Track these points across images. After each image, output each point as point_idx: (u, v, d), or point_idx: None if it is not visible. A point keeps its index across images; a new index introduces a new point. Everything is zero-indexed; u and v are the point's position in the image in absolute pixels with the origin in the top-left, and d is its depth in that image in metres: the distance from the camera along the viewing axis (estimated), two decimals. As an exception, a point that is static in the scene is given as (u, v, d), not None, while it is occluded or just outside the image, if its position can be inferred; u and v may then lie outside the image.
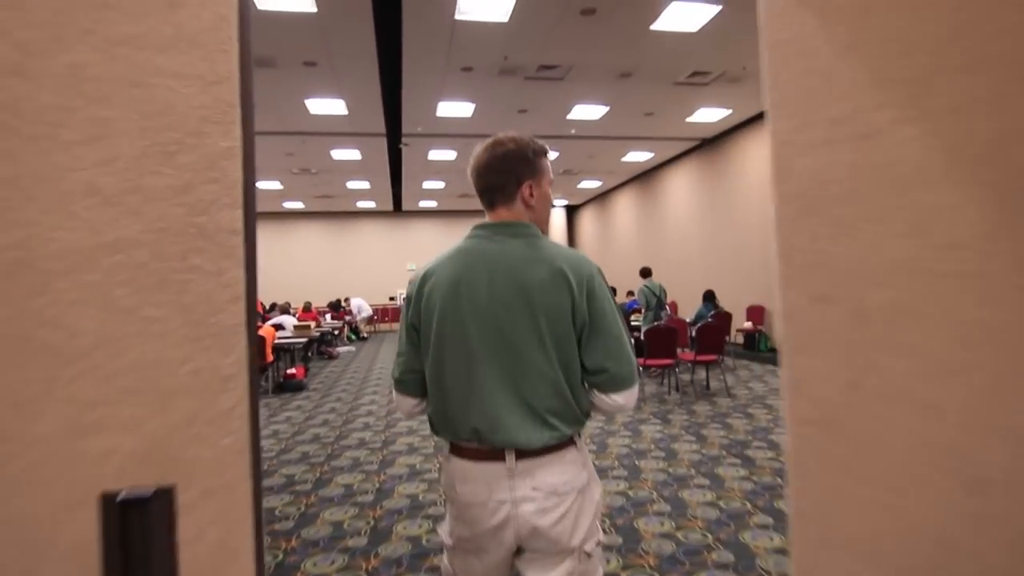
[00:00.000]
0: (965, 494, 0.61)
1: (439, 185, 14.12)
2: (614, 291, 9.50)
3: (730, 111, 8.96)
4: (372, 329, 16.31)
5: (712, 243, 10.84)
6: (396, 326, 13.77)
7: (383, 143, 10.09)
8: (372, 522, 3.08)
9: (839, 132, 0.71)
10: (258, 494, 0.67)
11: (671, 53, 6.57)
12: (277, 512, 3.25)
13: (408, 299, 1.28)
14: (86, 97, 0.65)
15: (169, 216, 0.66)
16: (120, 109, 0.66)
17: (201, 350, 0.65)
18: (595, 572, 1.24)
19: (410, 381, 1.29)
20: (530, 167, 1.26)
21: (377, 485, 3.67)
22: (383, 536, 2.90)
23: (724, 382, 6.63)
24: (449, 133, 9.64)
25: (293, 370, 7.90)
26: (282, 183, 13.27)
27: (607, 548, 2.63)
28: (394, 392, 1.34)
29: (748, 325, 9.27)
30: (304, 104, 7.91)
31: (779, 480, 3.51)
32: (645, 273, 7.86)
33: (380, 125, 9.04)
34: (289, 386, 7.43)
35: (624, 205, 15.18)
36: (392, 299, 17.92)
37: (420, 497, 3.43)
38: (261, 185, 13.35)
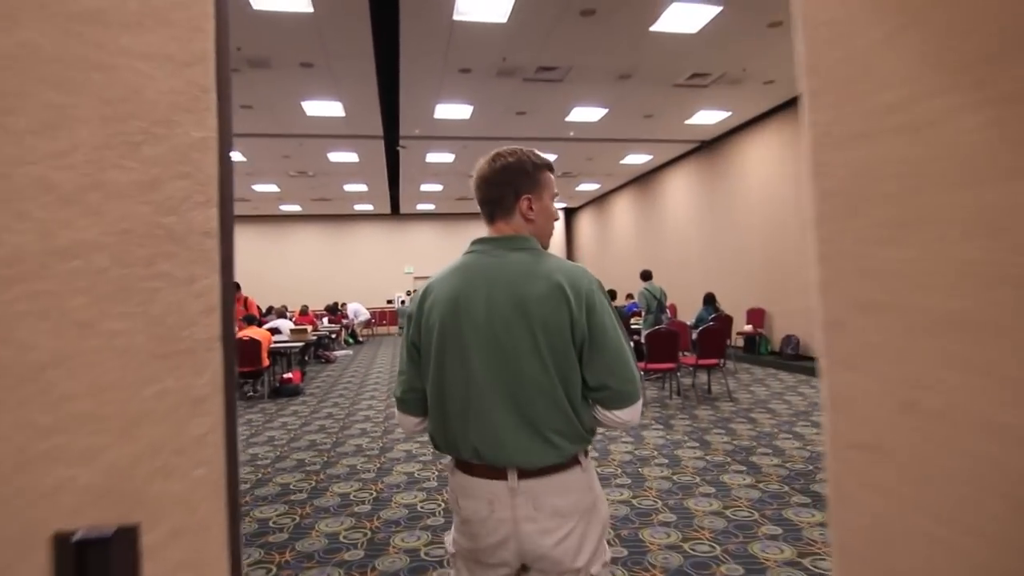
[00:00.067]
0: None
1: (437, 188, 14.05)
2: (613, 294, 9.43)
3: (730, 113, 8.91)
4: (370, 333, 16.21)
5: (711, 246, 10.79)
6: (393, 329, 13.68)
7: (380, 145, 10.02)
8: (369, 534, 2.99)
9: (889, 122, 0.63)
10: (235, 533, 0.59)
11: (671, 54, 6.52)
12: (271, 523, 3.16)
13: (409, 317, 1.27)
14: (39, 81, 0.57)
15: (134, 216, 0.58)
16: (78, 94, 0.58)
17: (169, 369, 0.57)
18: None
19: (412, 400, 1.27)
20: (529, 180, 1.24)
21: (374, 494, 3.58)
22: (380, 548, 2.81)
23: (726, 386, 6.56)
24: (447, 135, 9.58)
25: (289, 374, 7.80)
26: (279, 186, 13.18)
27: (612, 561, 2.54)
28: (396, 411, 1.33)
29: (748, 328, 9.21)
30: (301, 106, 7.84)
31: (786, 488, 3.43)
32: (645, 276, 7.79)
33: (377, 127, 8.97)
34: (285, 391, 7.33)
35: (622, 208, 15.13)
36: (390, 302, 17.83)
37: (418, 507, 3.34)
38: (258, 188, 13.27)
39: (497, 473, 1.15)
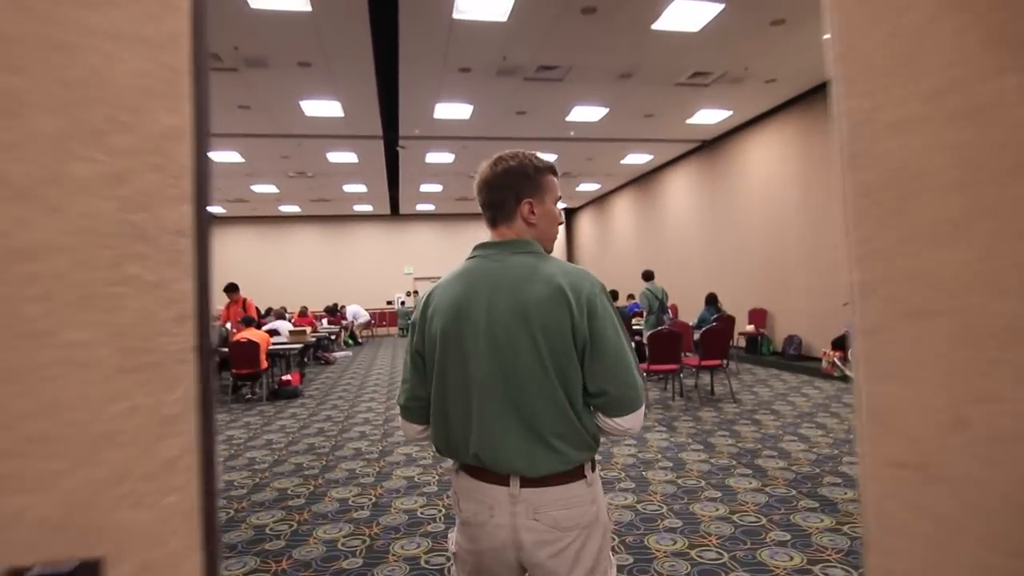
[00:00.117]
0: None
1: (437, 188, 13.98)
2: (615, 295, 9.37)
3: (731, 112, 8.85)
4: (370, 334, 16.15)
5: (712, 245, 10.73)
6: (393, 330, 13.61)
7: (380, 146, 9.96)
8: (368, 540, 2.92)
9: (939, 107, 0.57)
10: (212, 567, 0.53)
11: (672, 53, 6.46)
12: (268, 530, 3.10)
13: (413, 325, 1.27)
14: (-8, 62, 0.51)
15: (98, 213, 0.52)
16: (37, 78, 0.51)
17: (137, 384, 0.51)
18: None
19: (415, 409, 1.26)
20: (531, 184, 1.22)
21: (373, 499, 3.52)
22: (379, 556, 2.75)
23: (729, 387, 6.50)
24: (447, 135, 9.51)
25: (288, 376, 7.74)
26: (278, 186, 13.12)
27: (618, 570, 2.48)
28: (400, 418, 1.32)
29: (750, 328, 9.15)
30: (299, 106, 7.77)
31: (793, 492, 3.36)
32: (647, 276, 7.74)
33: (377, 127, 8.91)
34: (284, 393, 7.27)
35: (623, 208, 15.07)
36: (389, 303, 17.77)
37: (418, 512, 3.27)
38: (257, 189, 13.20)
39: (499, 479, 1.14)
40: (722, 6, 5.40)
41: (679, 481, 3.64)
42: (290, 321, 10.67)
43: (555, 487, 1.12)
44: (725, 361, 6.31)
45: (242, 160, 10.50)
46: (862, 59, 0.65)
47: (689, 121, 9.19)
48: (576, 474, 1.15)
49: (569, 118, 8.74)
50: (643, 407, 1.17)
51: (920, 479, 0.60)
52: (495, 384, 1.13)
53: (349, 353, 12.41)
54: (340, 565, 2.67)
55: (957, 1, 0.57)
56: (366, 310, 15.56)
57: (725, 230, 10.29)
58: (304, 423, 5.75)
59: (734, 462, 3.99)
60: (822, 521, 2.93)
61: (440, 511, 3.28)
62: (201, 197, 0.55)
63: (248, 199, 14.47)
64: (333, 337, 12.19)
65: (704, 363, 6.08)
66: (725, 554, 2.62)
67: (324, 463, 4.33)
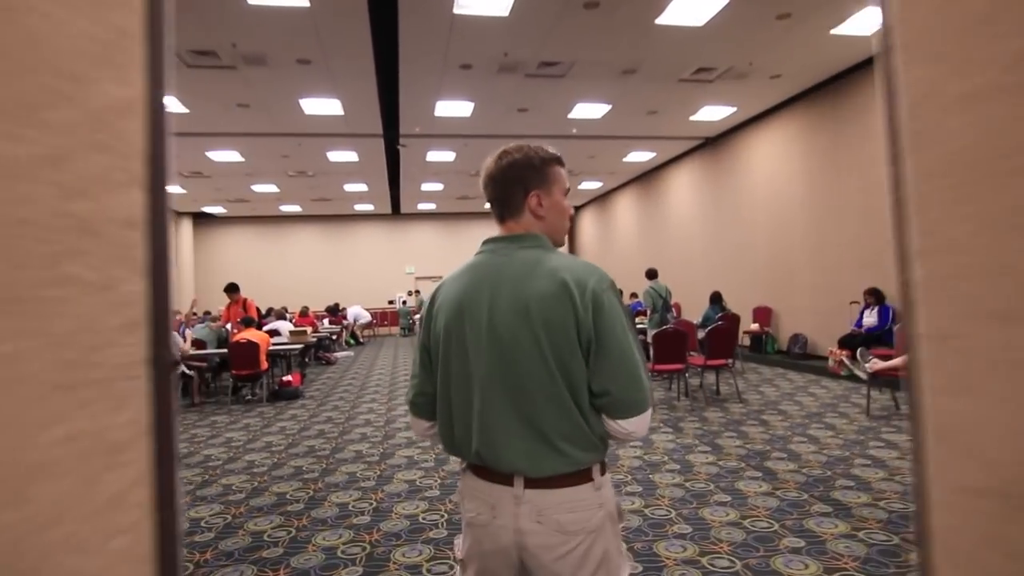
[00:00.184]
0: None
1: (438, 187, 13.90)
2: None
3: (735, 109, 8.76)
4: (371, 333, 16.09)
5: (715, 243, 10.64)
6: (395, 330, 13.59)
7: (380, 144, 9.88)
8: (368, 548, 2.85)
9: (1022, 76, 0.49)
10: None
11: (676, 48, 6.37)
12: (266, 536, 3.02)
13: (421, 320, 1.27)
14: (-97, 21, 0.43)
15: (31, 201, 0.43)
16: (-41, 41, 0.43)
17: (77, 405, 0.43)
18: None
19: (422, 404, 1.25)
20: (538, 175, 1.19)
21: (374, 504, 3.44)
22: (380, 565, 2.67)
23: (735, 387, 6.41)
24: (448, 133, 9.44)
25: (289, 377, 7.67)
26: (278, 186, 13.05)
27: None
28: (409, 414, 1.31)
29: (755, 327, 9.06)
30: (299, 104, 7.70)
31: (805, 496, 3.28)
32: (651, 275, 7.65)
33: (377, 125, 8.83)
34: (284, 394, 7.20)
35: (625, 205, 14.98)
36: (391, 303, 17.70)
37: (420, 518, 3.19)
38: (257, 188, 13.13)
39: (503, 478, 1.11)
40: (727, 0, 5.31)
41: (687, 484, 3.55)
42: (291, 321, 10.60)
43: (561, 489, 1.09)
44: (731, 361, 6.22)
45: (242, 159, 10.44)
46: (927, 21, 0.56)
47: (693, 118, 9.10)
48: (583, 476, 1.11)
49: (571, 115, 8.66)
50: (650, 410, 1.12)
51: (999, 510, 0.51)
52: (496, 381, 1.10)
53: (350, 353, 12.35)
54: (339, 574, 2.59)
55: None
56: (367, 310, 15.50)
57: (729, 228, 10.19)
58: (304, 424, 5.68)
59: (743, 464, 3.90)
60: (836, 527, 2.85)
61: (442, 516, 3.20)
62: (156, 182, 0.47)
63: (249, 199, 14.41)
64: (334, 337, 12.13)
65: (710, 363, 5.99)
66: (737, 562, 2.53)
67: (324, 466, 4.26)
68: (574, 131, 9.50)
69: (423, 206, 16.81)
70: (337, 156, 10.50)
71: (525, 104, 8.11)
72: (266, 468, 4.27)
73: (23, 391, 0.42)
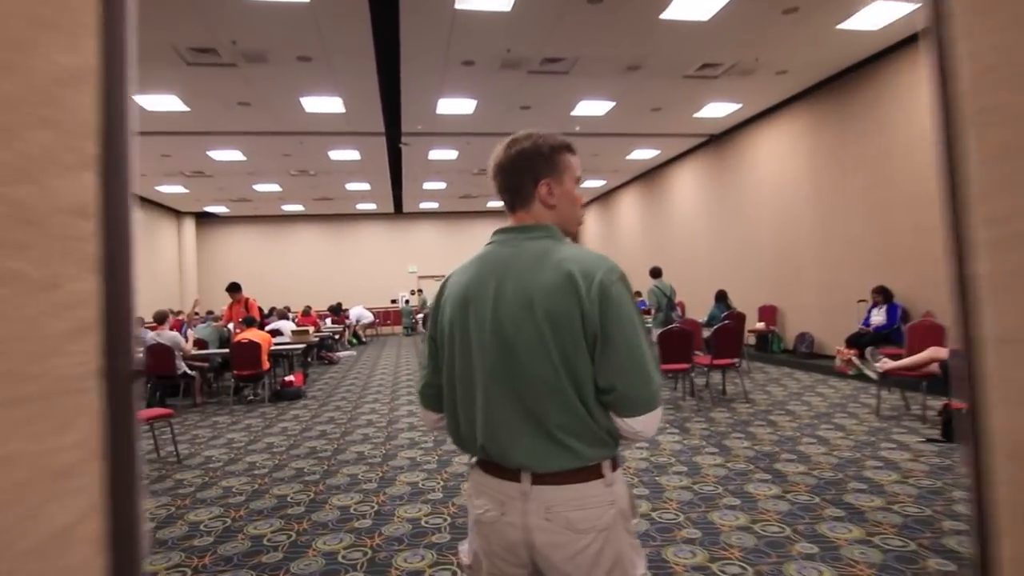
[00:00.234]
0: None
1: (440, 186, 13.84)
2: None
3: (740, 105, 8.67)
4: (374, 333, 16.05)
5: (720, 242, 10.55)
6: (398, 329, 13.56)
7: (382, 143, 9.82)
8: (369, 553, 2.78)
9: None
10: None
11: (681, 44, 6.28)
12: (265, 541, 2.96)
13: (429, 312, 1.25)
14: None
15: (-38, 185, 0.37)
16: None
17: (16, 424, 0.36)
18: None
19: (431, 395, 1.23)
20: (548, 163, 1.15)
21: (376, 507, 3.38)
22: (381, 570, 2.60)
23: (741, 386, 6.33)
24: (450, 131, 9.37)
25: (291, 377, 7.62)
26: (280, 185, 13.00)
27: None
28: (419, 406, 1.29)
29: (760, 325, 8.98)
30: (300, 102, 7.65)
31: (817, 499, 3.20)
32: (655, 273, 7.58)
33: (379, 124, 8.77)
34: (286, 394, 7.15)
35: (628, 203, 14.89)
36: (394, 302, 17.66)
37: (423, 522, 3.13)
38: (259, 188, 13.09)
39: (510, 474, 1.09)
40: (733, -7, 5.23)
41: (695, 487, 3.48)
42: (293, 321, 10.56)
43: (570, 485, 1.06)
44: (738, 360, 6.14)
45: (244, 158, 10.39)
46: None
47: (697, 115, 9.02)
48: (592, 472, 1.07)
49: (574, 112, 8.58)
50: (659, 409, 1.07)
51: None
52: (500, 375, 1.08)
53: (353, 353, 12.30)
54: (340, 580, 2.54)
55: None
56: (370, 309, 15.46)
57: (733, 225, 10.10)
58: (306, 425, 5.62)
59: (751, 466, 3.83)
60: (850, 532, 2.77)
61: (445, 520, 3.14)
62: (112, 164, 0.41)
63: (251, 198, 14.37)
64: (337, 336, 12.08)
65: (716, 362, 5.91)
66: (749, 568, 2.46)
67: (326, 468, 4.20)
68: (577, 129, 9.42)
69: (425, 205, 16.76)
70: (339, 155, 10.45)
71: (528, 101, 8.04)
72: (267, 470, 4.22)
73: (-50, 409, 0.36)
